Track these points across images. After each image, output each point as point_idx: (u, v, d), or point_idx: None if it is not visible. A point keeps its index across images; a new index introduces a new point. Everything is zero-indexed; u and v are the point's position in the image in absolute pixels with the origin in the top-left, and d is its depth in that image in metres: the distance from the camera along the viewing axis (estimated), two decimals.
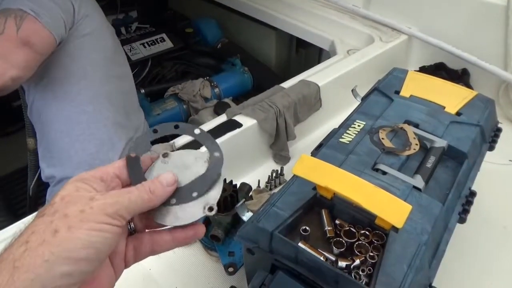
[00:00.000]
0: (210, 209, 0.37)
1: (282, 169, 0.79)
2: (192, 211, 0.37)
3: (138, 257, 0.38)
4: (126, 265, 0.37)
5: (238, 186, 0.67)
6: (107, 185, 0.36)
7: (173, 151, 0.41)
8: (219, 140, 0.75)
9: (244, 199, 0.57)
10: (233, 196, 0.62)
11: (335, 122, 0.64)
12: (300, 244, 0.45)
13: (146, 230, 0.39)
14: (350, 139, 0.58)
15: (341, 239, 0.45)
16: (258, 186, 0.76)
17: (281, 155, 0.84)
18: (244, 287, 0.56)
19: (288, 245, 0.44)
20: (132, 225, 0.38)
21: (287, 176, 0.79)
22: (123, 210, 0.33)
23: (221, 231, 0.61)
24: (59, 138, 0.96)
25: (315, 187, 0.48)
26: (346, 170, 0.45)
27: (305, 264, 0.43)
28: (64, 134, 0.95)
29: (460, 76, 1.00)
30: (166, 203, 0.37)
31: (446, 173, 0.55)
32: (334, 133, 0.60)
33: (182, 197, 0.37)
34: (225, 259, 0.60)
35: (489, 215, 0.69)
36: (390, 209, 0.39)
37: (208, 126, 0.78)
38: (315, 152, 0.58)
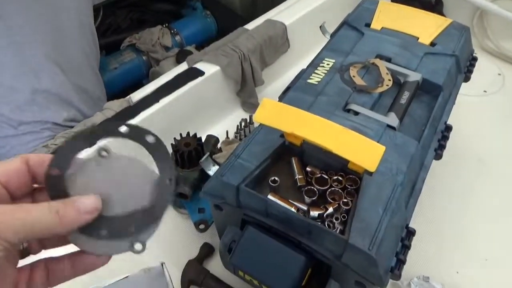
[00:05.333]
0: (139, 246, 0.28)
1: (251, 117, 0.75)
2: (116, 244, 0.28)
3: None
4: None
5: (203, 139, 0.62)
6: None
7: (120, 136, 0.29)
8: (180, 91, 0.69)
9: (209, 153, 0.52)
10: (198, 150, 0.58)
11: (306, 63, 0.59)
12: (269, 196, 0.41)
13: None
14: (319, 79, 0.53)
15: (312, 187, 0.42)
16: (227, 137, 0.72)
17: (250, 103, 0.79)
18: (218, 243, 0.54)
19: (256, 198, 0.40)
20: (25, 244, 0.29)
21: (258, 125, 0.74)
22: (9, 231, 0.24)
23: (188, 187, 0.57)
24: None
25: (282, 135, 0.44)
26: (315, 113, 0.41)
27: (276, 217, 0.40)
28: None
29: (433, 6, 0.96)
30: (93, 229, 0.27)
31: (421, 108, 0.52)
32: (302, 74, 0.55)
33: (115, 230, 0.27)
34: (195, 216, 0.57)
35: (464, 149, 0.68)
36: (362, 152, 0.36)
37: (167, 76, 0.72)
38: (282, 96, 0.53)
